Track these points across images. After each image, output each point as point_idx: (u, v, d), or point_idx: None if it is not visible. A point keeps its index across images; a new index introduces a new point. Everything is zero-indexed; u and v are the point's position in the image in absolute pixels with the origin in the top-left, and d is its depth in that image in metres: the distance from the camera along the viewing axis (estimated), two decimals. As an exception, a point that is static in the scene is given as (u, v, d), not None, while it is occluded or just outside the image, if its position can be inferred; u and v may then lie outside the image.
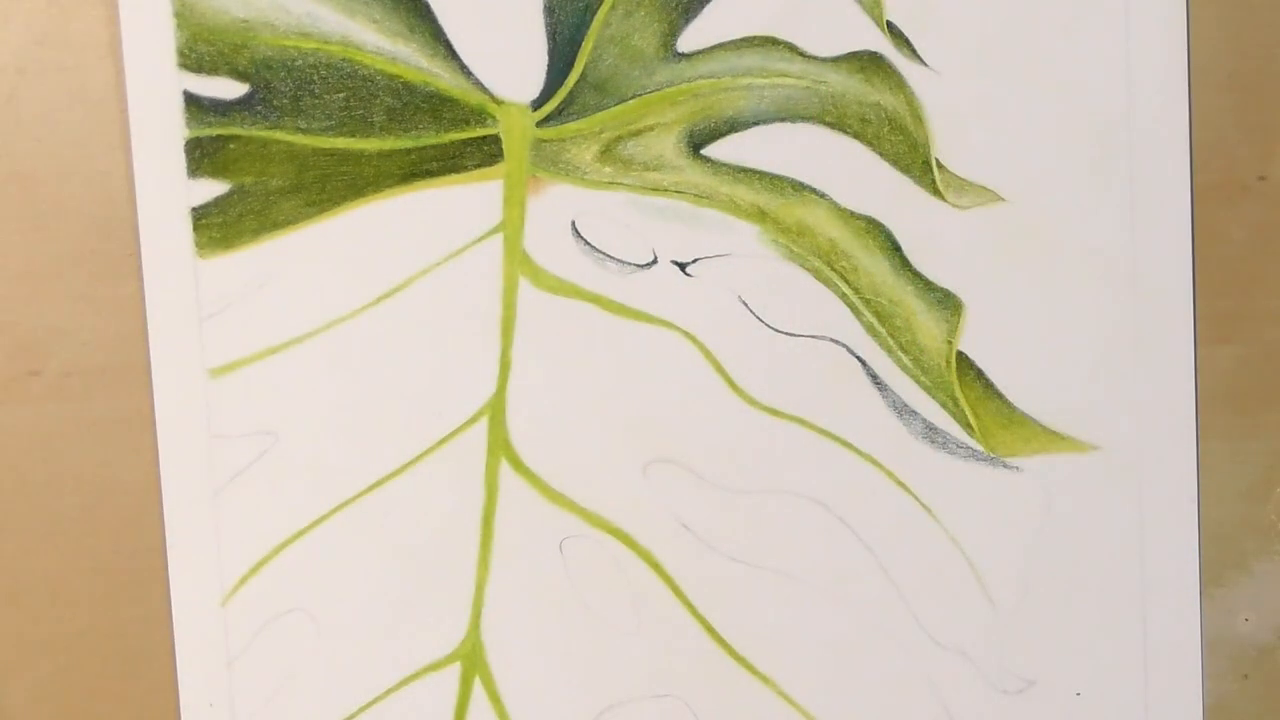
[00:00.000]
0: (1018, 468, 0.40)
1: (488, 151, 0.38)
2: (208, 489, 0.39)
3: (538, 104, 0.38)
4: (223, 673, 0.39)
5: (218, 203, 0.38)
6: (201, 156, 0.38)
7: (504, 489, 0.39)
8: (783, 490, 0.40)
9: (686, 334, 0.39)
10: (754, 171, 0.39)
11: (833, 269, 0.39)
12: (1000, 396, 0.40)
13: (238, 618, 0.39)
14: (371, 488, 0.39)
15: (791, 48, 0.39)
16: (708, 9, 0.38)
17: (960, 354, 0.39)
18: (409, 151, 0.38)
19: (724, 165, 0.39)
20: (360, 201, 0.38)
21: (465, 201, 0.38)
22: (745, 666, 0.40)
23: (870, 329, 0.39)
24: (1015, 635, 0.40)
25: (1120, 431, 0.40)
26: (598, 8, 0.38)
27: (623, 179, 0.39)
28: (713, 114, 0.39)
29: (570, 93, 0.38)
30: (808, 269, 0.39)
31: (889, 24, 0.38)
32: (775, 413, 0.39)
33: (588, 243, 0.39)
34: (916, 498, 0.40)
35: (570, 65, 0.38)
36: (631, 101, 0.39)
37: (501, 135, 0.38)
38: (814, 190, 0.39)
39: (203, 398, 0.38)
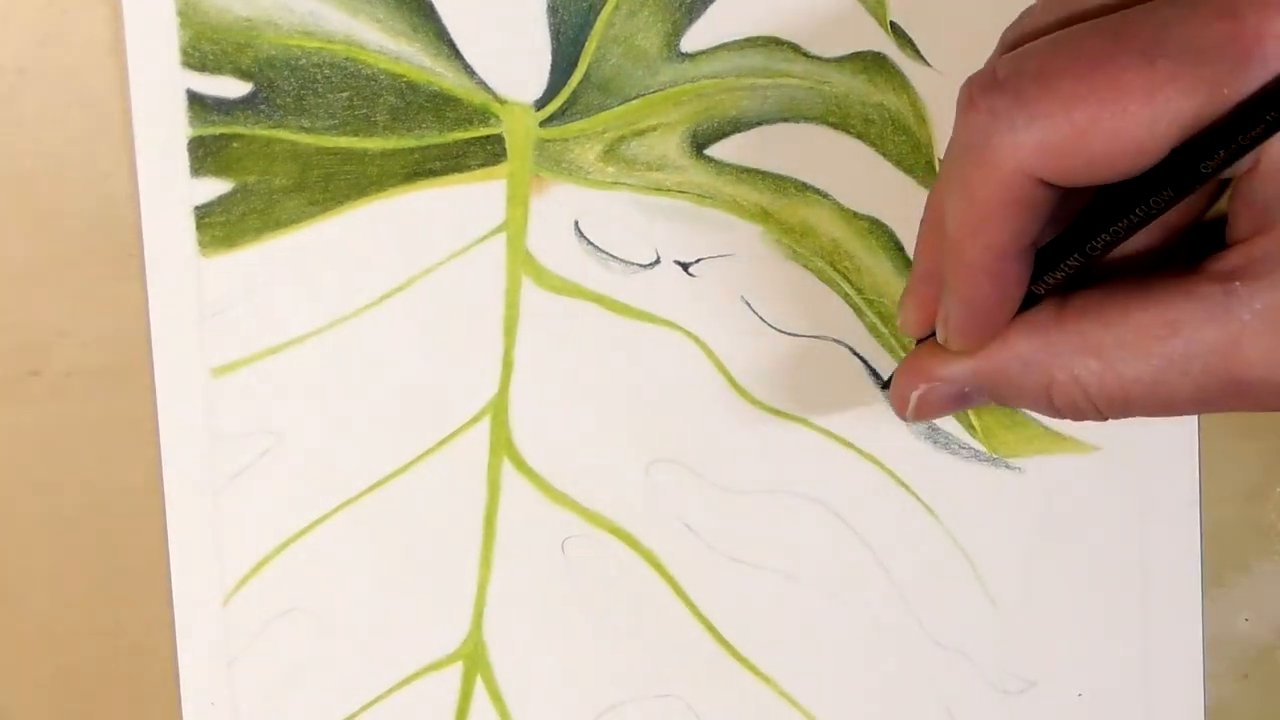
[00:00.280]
0: (1019, 468, 0.40)
1: (491, 151, 0.38)
2: (209, 488, 0.38)
3: (541, 104, 0.38)
4: (224, 672, 0.39)
5: (220, 202, 0.38)
6: (204, 155, 0.38)
7: (506, 488, 0.39)
8: (785, 490, 0.40)
9: (689, 334, 0.39)
10: (757, 172, 0.39)
11: (836, 269, 0.39)
12: (1002, 397, 0.40)
13: (239, 617, 0.39)
14: (373, 487, 0.39)
15: (795, 48, 0.39)
16: (711, 9, 0.38)
17: (962, 354, 0.39)
18: (412, 151, 0.38)
19: (727, 165, 0.39)
20: (363, 201, 0.38)
21: (468, 201, 0.39)
22: (747, 666, 0.40)
23: (873, 329, 0.39)
24: (1016, 635, 0.40)
25: (1120, 432, 0.40)
26: (601, 8, 0.38)
27: (626, 179, 0.39)
28: (716, 114, 0.39)
29: (574, 93, 0.38)
30: (811, 269, 0.39)
31: (892, 24, 0.39)
32: (778, 413, 0.40)
33: (591, 242, 0.39)
34: (918, 498, 0.40)
35: (574, 65, 0.38)
36: (635, 101, 0.39)
37: (505, 135, 0.38)
38: (817, 190, 0.39)
39: (204, 397, 0.38)
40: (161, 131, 0.38)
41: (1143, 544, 0.40)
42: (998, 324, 0.31)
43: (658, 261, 0.39)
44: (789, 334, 0.39)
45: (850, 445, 0.40)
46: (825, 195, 0.39)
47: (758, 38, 0.39)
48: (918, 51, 0.39)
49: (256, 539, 0.39)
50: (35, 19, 0.38)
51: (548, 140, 0.39)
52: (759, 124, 0.39)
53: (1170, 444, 0.40)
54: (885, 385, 0.38)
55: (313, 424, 0.39)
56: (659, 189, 0.39)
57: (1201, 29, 0.27)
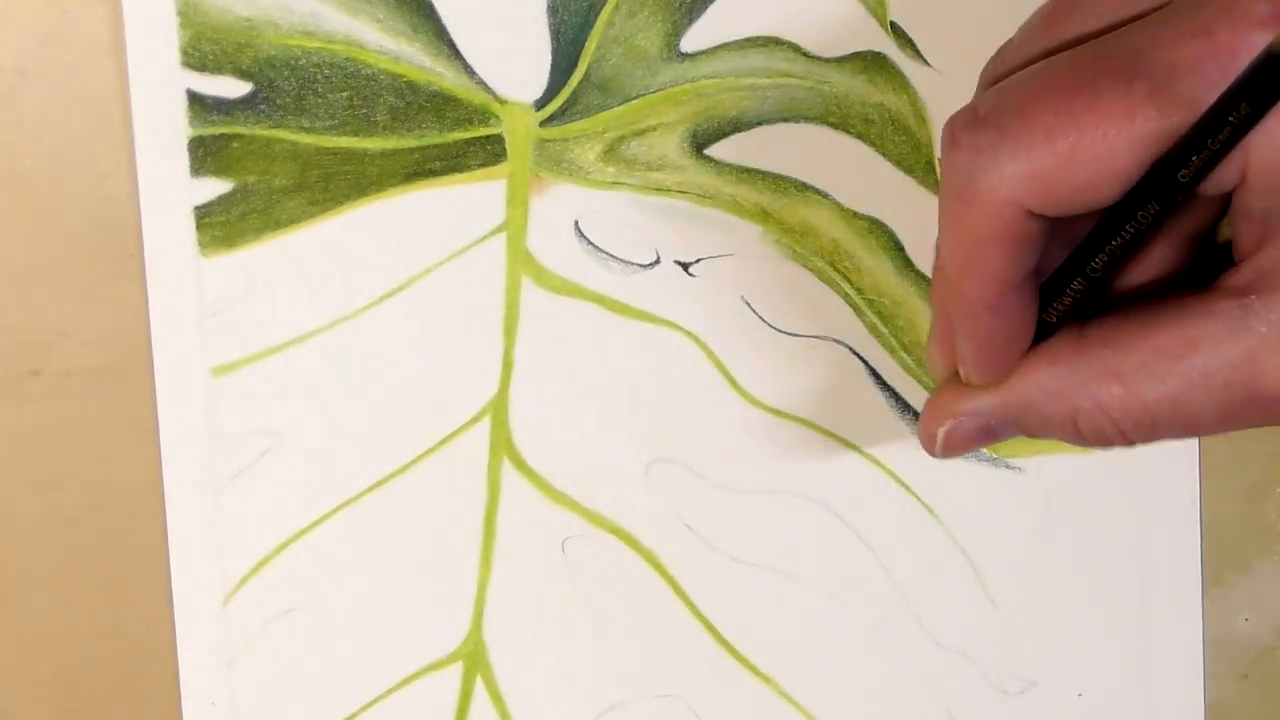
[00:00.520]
0: (1019, 468, 0.40)
1: (491, 151, 0.38)
2: (209, 488, 0.38)
3: (541, 104, 0.38)
4: (224, 672, 0.39)
5: (220, 201, 0.38)
6: (205, 155, 0.38)
7: (506, 489, 0.39)
8: (785, 490, 0.40)
9: (689, 334, 0.39)
10: (757, 172, 0.39)
11: (836, 269, 0.39)
12: (1002, 397, 0.40)
13: (239, 617, 0.39)
14: (373, 487, 0.39)
15: (795, 48, 0.39)
16: (711, 9, 0.38)
17: (962, 354, 0.39)
18: (412, 151, 0.38)
19: (727, 165, 0.39)
20: (363, 201, 0.38)
21: (468, 201, 0.39)
22: (747, 666, 0.40)
23: (873, 329, 0.39)
24: (1016, 635, 0.40)
25: (1121, 432, 0.40)
26: (601, 8, 0.38)
27: (626, 179, 0.39)
28: (716, 114, 0.39)
29: (574, 93, 0.38)
30: (811, 269, 0.39)
31: (892, 24, 0.39)
32: (778, 413, 0.40)
33: (591, 242, 0.39)
34: (918, 498, 0.40)
35: (574, 65, 0.38)
36: (635, 101, 0.39)
37: (505, 135, 0.38)
38: (817, 190, 0.39)
39: (204, 397, 0.38)
40: (161, 131, 0.38)
41: (1143, 544, 0.40)
42: (1011, 357, 0.31)
43: (658, 261, 0.39)
44: (789, 334, 0.39)
45: (850, 445, 0.40)
46: (825, 195, 0.39)
47: (758, 38, 0.39)
48: (918, 52, 0.39)
49: (256, 539, 0.39)
50: (35, 19, 0.38)
51: (548, 140, 0.39)
52: (759, 124, 0.39)
53: (1170, 444, 0.40)
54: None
55: (313, 424, 0.39)
56: (659, 189, 0.39)
57: (1175, 48, 0.27)
